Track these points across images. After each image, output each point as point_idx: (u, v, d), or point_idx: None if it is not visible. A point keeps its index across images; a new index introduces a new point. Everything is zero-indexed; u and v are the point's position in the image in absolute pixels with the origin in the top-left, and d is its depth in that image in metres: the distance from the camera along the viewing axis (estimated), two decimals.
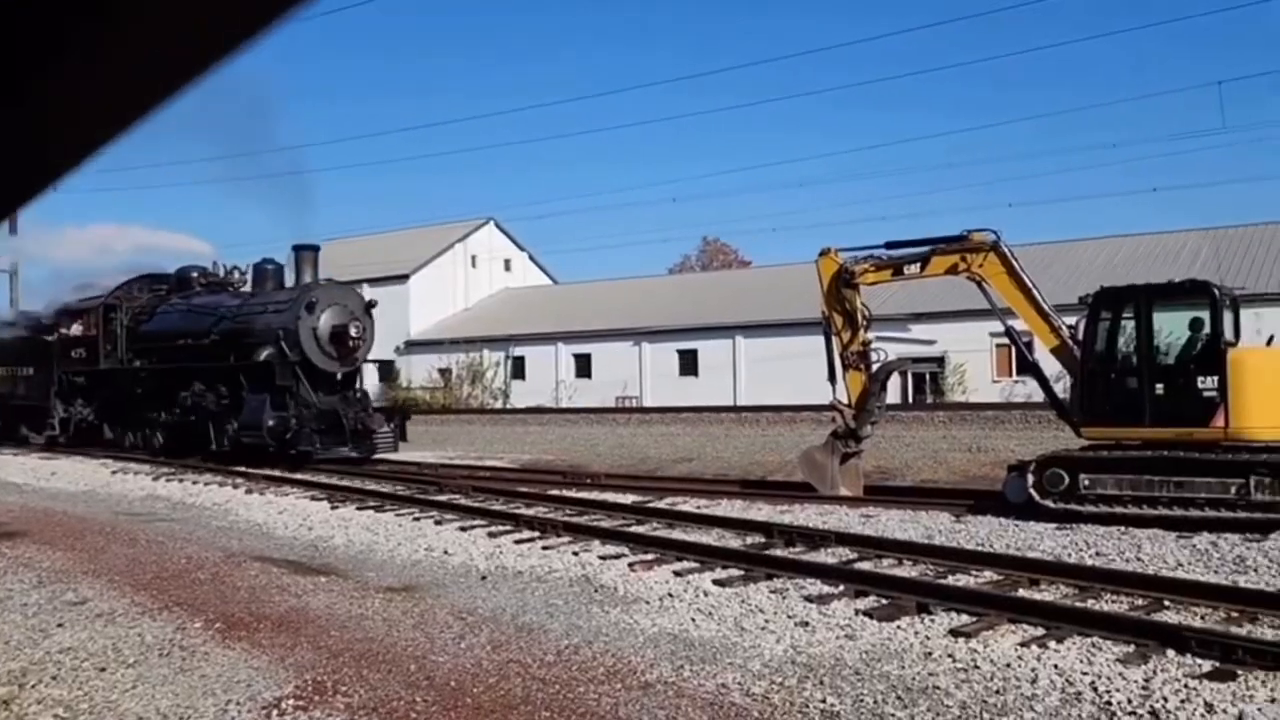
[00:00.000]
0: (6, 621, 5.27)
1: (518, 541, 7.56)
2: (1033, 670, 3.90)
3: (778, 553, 6.75)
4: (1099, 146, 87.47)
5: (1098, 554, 6.57)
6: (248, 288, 16.04)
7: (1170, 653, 3.93)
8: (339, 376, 14.24)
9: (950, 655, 4.14)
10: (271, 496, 11.36)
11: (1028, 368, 9.37)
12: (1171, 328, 8.07)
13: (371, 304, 14.83)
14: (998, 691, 3.75)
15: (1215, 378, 7.44)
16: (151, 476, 13.63)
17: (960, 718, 3.58)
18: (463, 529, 8.24)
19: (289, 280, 14.96)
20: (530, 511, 9.02)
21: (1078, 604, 4.94)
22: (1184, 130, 78.65)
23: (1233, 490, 7.12)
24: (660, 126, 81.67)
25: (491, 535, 7.93)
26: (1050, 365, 9.02)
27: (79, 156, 0.54)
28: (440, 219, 46.17)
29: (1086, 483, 7.70)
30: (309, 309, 13.67)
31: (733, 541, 7.38)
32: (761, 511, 9.04)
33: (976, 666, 4.00)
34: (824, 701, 3.73)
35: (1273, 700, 3.56)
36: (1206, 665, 3.81)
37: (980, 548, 6.86)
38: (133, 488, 12.69)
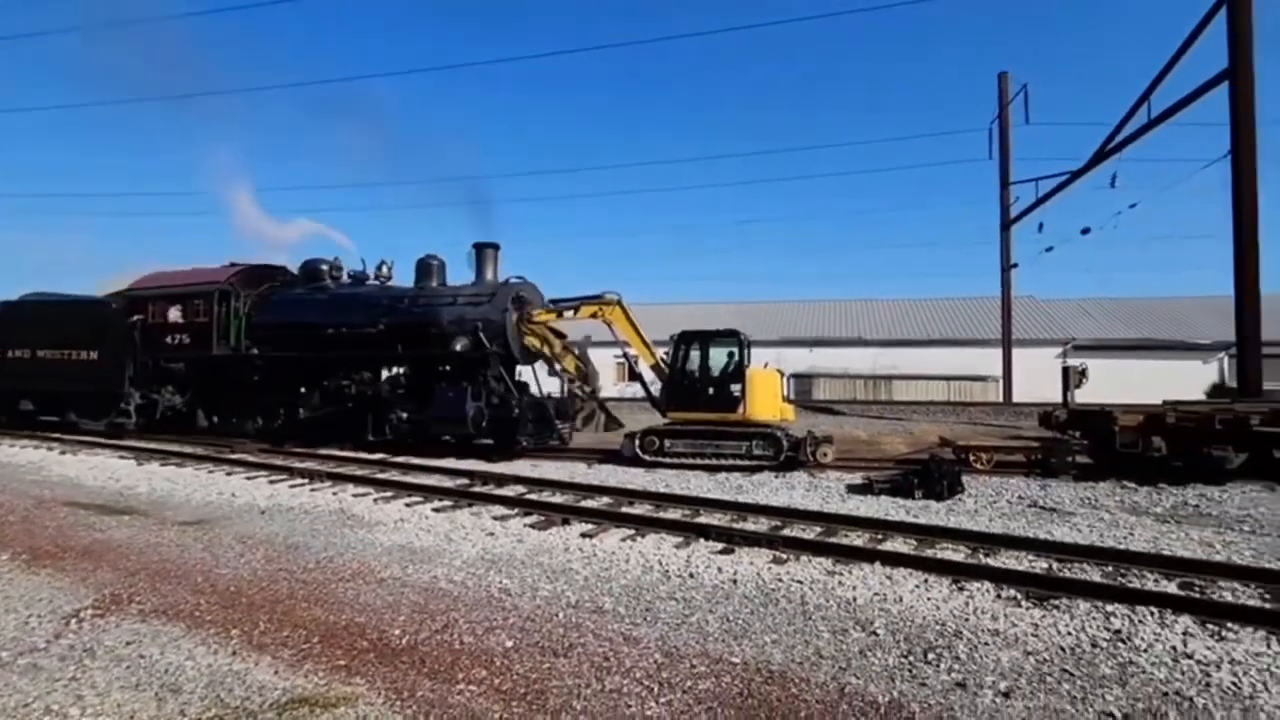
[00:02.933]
0: None
1: (292, 486, 9.47)
2: (627, 555, 6.36)
3: (477, 489, 9.30)
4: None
5: (666, 485, 10.16)
6: (394, 282, 15.75)
7: (702, 541, 6.71)
8: (519, 371, 14.53)
9: (580, 549, 6.55)
10: (84, 456, 13.07)
11: (635, 377, 13.77)
12: (718, 355, 12.64)
13: None
14: (607, 568, 6.11)
15: (740, 385, 12.02)
16: None
17: (584, 586, 5.85)
18: (248, 479, 10.11)
19: (450, 277, 15.45)
20: (302, 465, 10.99)
21: (654, 515, 7.76)
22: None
23: (744, 449, 11.79)
24: None
25: (271, 482, 9.82)
26: (647, 375, 13.42)
27: None
28: None
29: (669, 444, 12.17)
30: (516, 303, 13.82)
31: (447, 483, 9.91)
32: (467, 463, 12.14)
33: (595, 555, 6.40)
34: (500, 582, 5.80)
35: (752, 562, 6.33)
36: (719, 545, 6.59)
37: (601, 482, 10.03)
38: None
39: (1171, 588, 5.43)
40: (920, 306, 40.41)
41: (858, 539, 6.80)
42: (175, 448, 13.44)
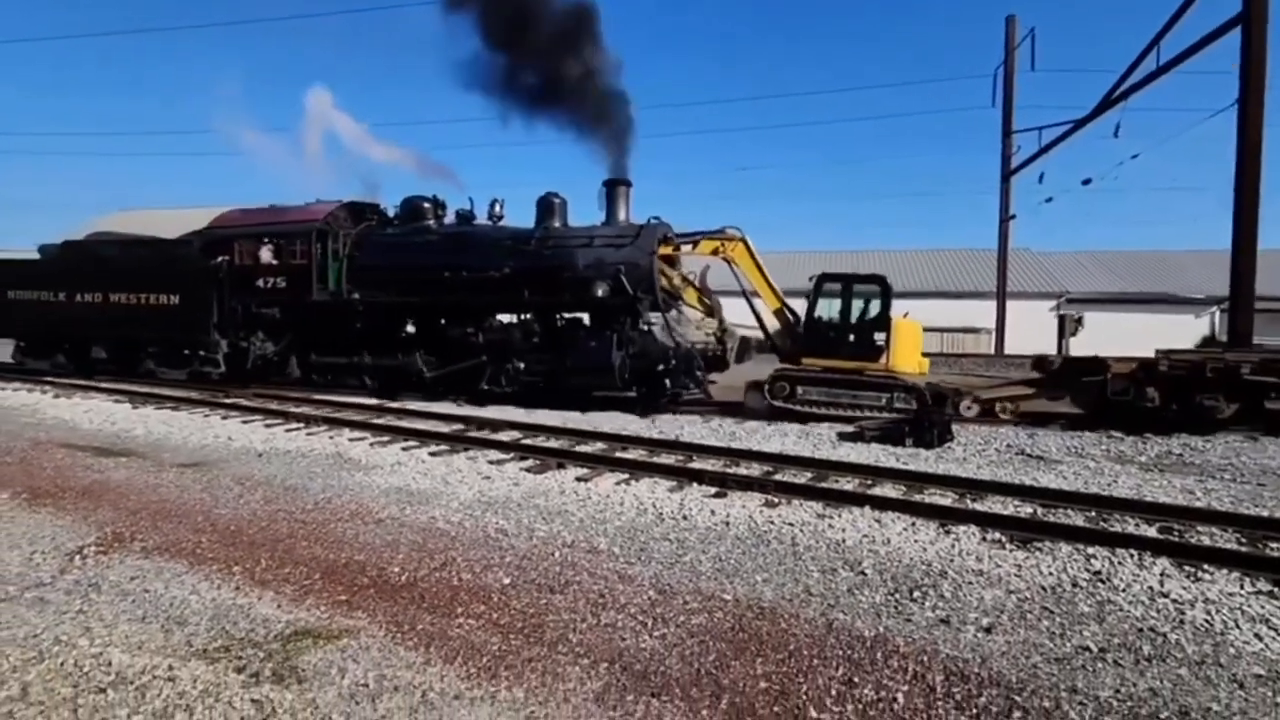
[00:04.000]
0: None
1: (288, 431, 9.53)
2: (621, 498, 6.47)
3: (472, 434, 9.32)
4: None
5: (660, 432, 10.26)
6: (505, 222, 14.33)
7: (695, 485, 6.82)
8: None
9: (575, 492, 6.65)
10: (78, 399, 12.95)
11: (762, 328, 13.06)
12: (858, 300, 11.97)
13: None
14: (601, 510, 6.21)
15: (885, 333, 11.54)
16: None
17: (579, 527, 5.96)
18: (244, 422, 10.23)
19: (572, 216, 14.02)
20: (298, 410, 11.01)
21: (647, 460, 7.85)
22: None
23: (883, 400, 11.29)
24: None
25: (268, 426, 9.90)
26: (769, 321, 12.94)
27: None
28: None
29: (801, 390, 11.67)
30: (668, 243, 12.86)
31: (443, 428, 9.89)
32: (463, 409, 12.12)
33: (590, 498, 6.51)
34: (497, 523, 5.89)
35: (745, 506, 6.44)
36: (713, 490, 6.69)
37: (593, 429, 9.98)
38: None
39: (1151, 532, 5.58)
40: (913, 257, 40.17)
41: (848, 484, 6.93)
42: (170, 391, 13.41)
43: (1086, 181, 22.04)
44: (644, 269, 12.48)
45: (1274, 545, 5.32)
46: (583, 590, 4.34)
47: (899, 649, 3.61)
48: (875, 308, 11.88)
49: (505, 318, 13.97)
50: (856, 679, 3.30)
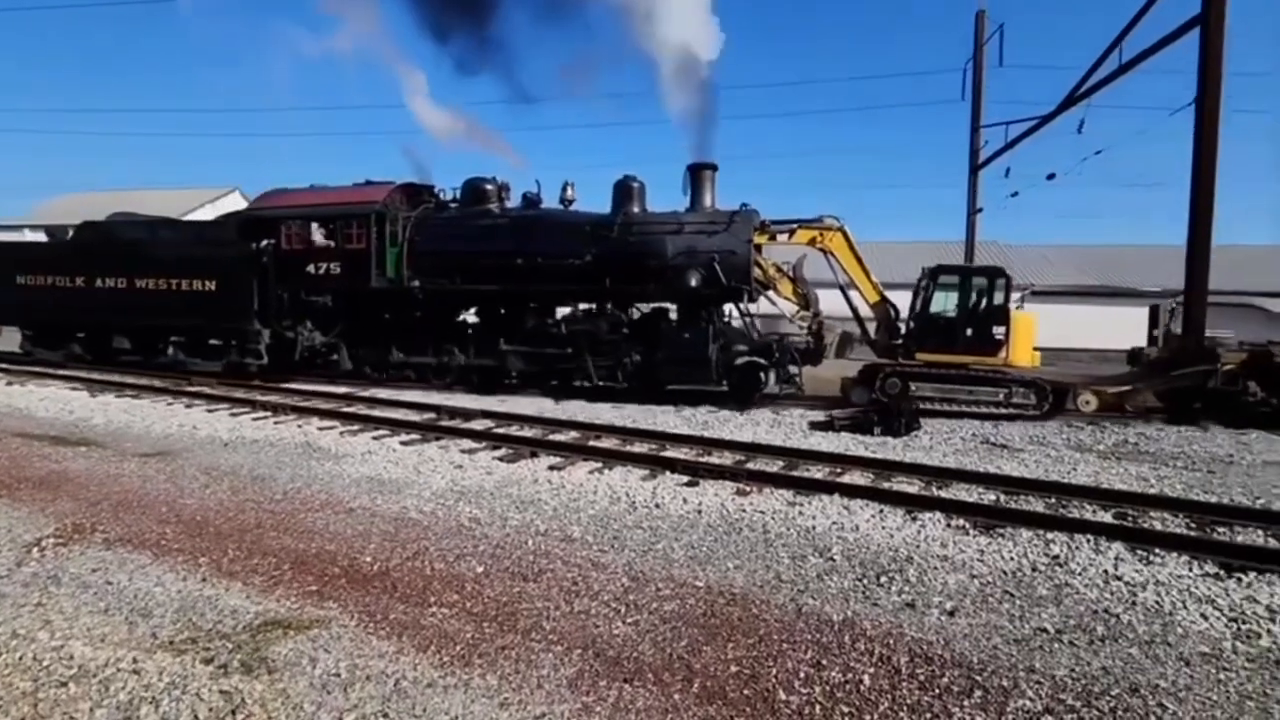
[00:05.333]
0: None
1: (255, 419, 9.29)
2: (595, 487, 6.50)
3: (444, 423, 9.24)
4: None
5: (633, 420, 10.29)
6: (577, 206, 13.41)
7: (668, 474, 6.88)
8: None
9: (549, 481, 6.66)
10: (33, 387, 12.54)
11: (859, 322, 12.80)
12: (977, 293, 11.57)
13: None
14: (575, 499, 6.23)
15: (1004, 327, 11.19)
16: None
17: (553, 515, 5.96)
18: (209, 411, 9.91)
19: (651, 202, 13.08)
20: (265, 398, 10.75)
21: (621, 449, 7.89)
22: None
23: (1001, 395, 11.12)
24: None
25: (233, 415, 9.66)
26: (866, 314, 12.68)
27: None
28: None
29: (914, 388, 11.35)
30: (764, 231, 12.22)
31: (414, 416, 9.83)
32: (435, 398, 11.90)
33: (564, 486, 6.52)
34: (470, 512, 5.88)
35: (717, 494, 6.50)
36: (685, 478, 6.76)
37: (569, 418, 10.05)
38: None
39: (1107, 517, 5.78)
40: (882, 249, 40.68)
41: (818, 472, 7.04)
42: (131, 379, 13.02)
43: (1051, 176, 22.60)
44: (741, 258, 11.90)
45: (1221, 529, 5.55)
46: (556, 578, 4.36)
47: (866, 632, 3.70)
48: (994, 299, 11.42)
49: (584, 306, 13.38)
50: (825, 662, 3.38)
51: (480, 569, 4.49)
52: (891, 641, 3.60)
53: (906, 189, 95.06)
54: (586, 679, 3.19)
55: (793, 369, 11.84)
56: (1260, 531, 5.49)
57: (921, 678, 3.25)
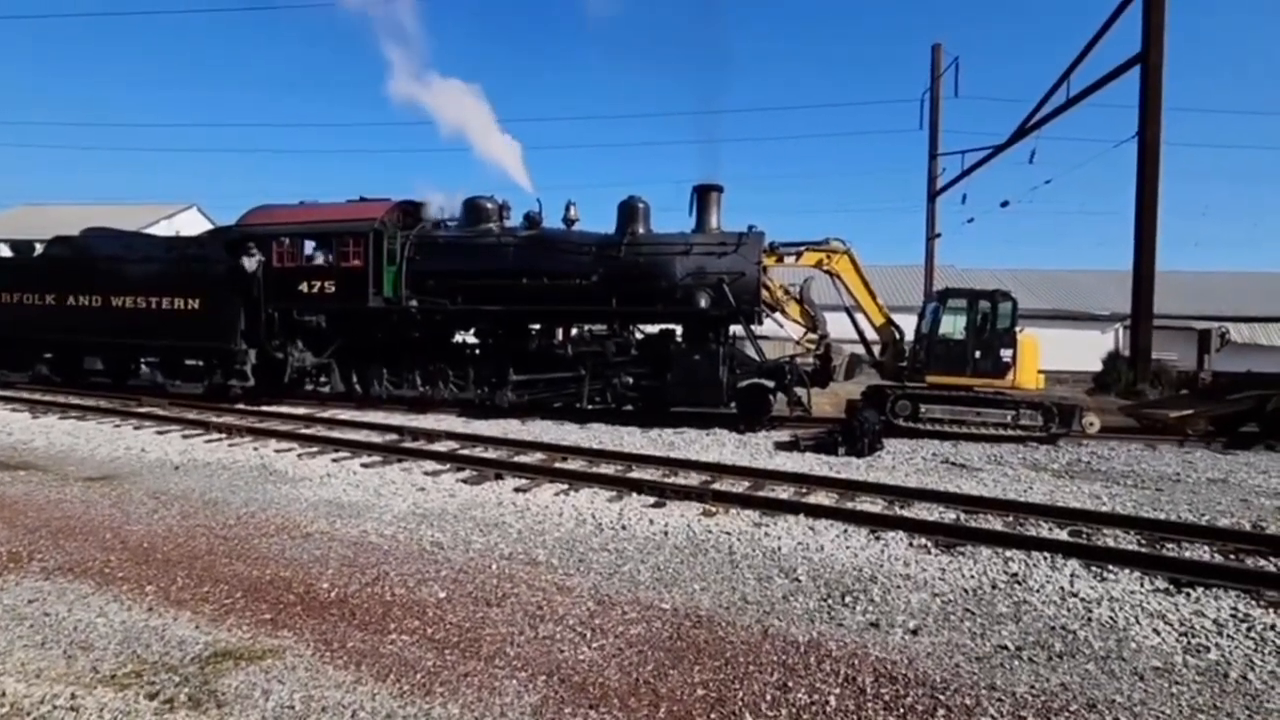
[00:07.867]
0: None
1: (208, 441, 8.98)
2: (560, 509, 6.44)
3: (407, 445, 9.05)
4: None
5: (599, 442, 10.23)
6: (580, 226, 13.21)
7: (634, 495, 6.85)
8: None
9: (514, 504, 6.58)
10: None
11: (864, 344, 13.04)
12: (982, 316, 11.66)
13: None
14: (540, 521, 6.17)
15: (1011, 350, 11.37)
16: None
17: (518, 539, 5.89)
18: (159, 433, 9.53)
19: (656, 223, 13.01)
20: (219, 419, 10.40)
21: (587, 470, 7.85)
22: None
23: (1008, 418, 11.21)
24: None
25: (185, 437, 9.30)
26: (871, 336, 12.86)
27: None
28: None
29: (924, 409, 11.49)
30: (772, 253, 12.11)
31: (375, 438, 9.62)
32: (397, 419, 11.84)
33: (529, 509, 6.44)
34: (433, 536, 5.77)
35: (683, 515, 6.50)
36: (651, 499, 6.74)
37: (534, 438, 9.97)
38: None
39: (1063, 535, 5.91)
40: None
41: (783, 493, 7.08)
42: (76, 400, 12.54)
43: (1004, 204, 23.56)
44: (750, 279, 11.96)
45: (1170, 545, 5.73)
46: (520, 603, 4.28)
47: (831, 653, 3.71)
48: (999, 323, 11.59)
49: (591, 328, 13.29)
50: (791, 683, 3.37)
51: (442, 594, 4.38)
52: (857, 661, 3.61)
53: (863, 213, 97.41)
54: (551, 706, 3.13)
55: (800, 391, 11.92)
56: (1206, 547, 5.68)
57: (886, 697, 3.26)
